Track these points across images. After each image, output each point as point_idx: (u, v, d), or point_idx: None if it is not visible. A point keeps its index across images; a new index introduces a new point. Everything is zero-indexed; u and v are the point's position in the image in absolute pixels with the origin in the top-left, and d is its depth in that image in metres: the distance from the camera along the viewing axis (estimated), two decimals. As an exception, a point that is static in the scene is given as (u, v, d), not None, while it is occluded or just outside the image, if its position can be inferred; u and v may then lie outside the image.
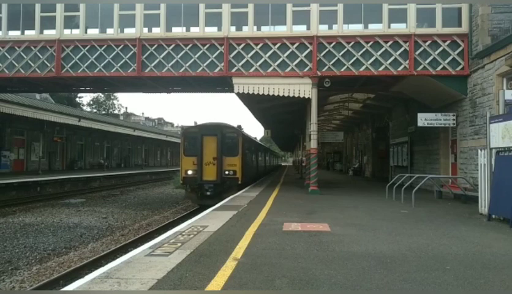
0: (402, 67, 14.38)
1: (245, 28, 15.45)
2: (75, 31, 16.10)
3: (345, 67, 14.62)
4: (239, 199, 13.14)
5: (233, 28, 15.37)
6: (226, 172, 16.04)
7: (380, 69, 14.50)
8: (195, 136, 16.29)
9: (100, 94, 66.44)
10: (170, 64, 15.19)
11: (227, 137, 16.40)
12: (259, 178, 25.90)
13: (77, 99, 60.92)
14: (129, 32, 15.84)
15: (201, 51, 15.08)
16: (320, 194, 14.66)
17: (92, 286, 4.24)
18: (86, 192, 23.61)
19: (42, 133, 29.94)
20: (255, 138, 40.26)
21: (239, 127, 17.25)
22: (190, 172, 16.12)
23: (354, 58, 14.58)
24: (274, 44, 14.88)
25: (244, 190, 17.17)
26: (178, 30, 15.88)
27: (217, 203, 11.65)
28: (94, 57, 15.45)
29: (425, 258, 5.46)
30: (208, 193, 15.74)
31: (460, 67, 14.03)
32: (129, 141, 48.53)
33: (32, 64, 15.73)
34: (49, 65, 15.67)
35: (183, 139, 16.73)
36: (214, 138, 16.02)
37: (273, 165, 55.46)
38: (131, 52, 15.33)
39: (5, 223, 13.09)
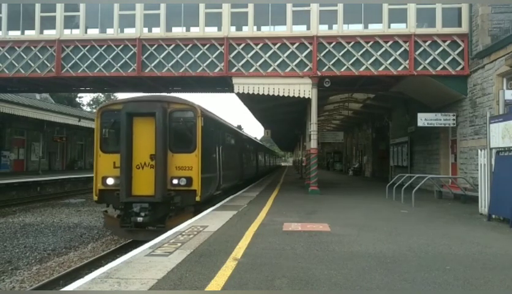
0: (402, 67, 14.37)
1: (245, 28, 15.44)
2: (75, 31, 16.10)
3: (345, 67, 14.62)
4: (239, 199, 13.15)
5: (233, 28, 15.36)
6: (174, 181, 9.85)
7: (380, 69, 14.50)
8: (118, 117, 9.92)
9: (100, 94, 66.41)
10: (170, 64, 15.18)
11: (175, 118, 10.15)
12: (243, 187, 18.59)
13: (77, 99, 60.95)
14: (129, 32, 15.83)
15: (201, 51, 15.07)
16: (320, 194, 14.66)
17: (92, 286, 4.24)
18: (86, 192, 23.60)
19: (42, 133, 29.97)
20: (255, 137, 39.63)
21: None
22: (110, 181, 9.89)
23: (354, 58, 14.57)
24: (274, 44, 14.88)
25: (243, 190, 17.05)
26: (178, 30, 15.88)
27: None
28: (94, 57, 15.44)
29: (425, 258, 5.46)
30: (139, 218, 9.38)
31: (460, 67, 14.03)
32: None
33: (32, 64, 15.73)
34: (49, 65, 15.66)
35: (99, 124, 10.35)
36: (150, 120, 9.76)
37: (270, 167, 45.65)
38: (131, 52, 15.33)
39: (5, 223, 13.08)
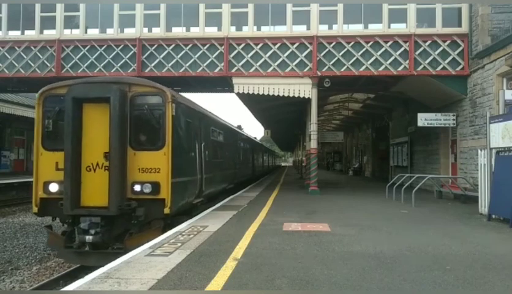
0: (402, 67, 14.38)
1: (245, 28, 15.44)
2: (75, 31, 16.10)
3: (345, 67, 14.62)
4: (239, 199, 13.15)
5: (233, 28, 15.36)
6: (137, 187, 7.79)
7: (380, 69, 14.50)
8: (63, 105, 7.82)
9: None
10: (170, 64, 15.18)
11: (138, 105, 8.07)
12: (236, 190, 16.43)
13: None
14: (129, 32, 15.82)
15: (201, 51, 15.07)
16: (319, 194, 14.66)
17: (92, 286, 4.24)
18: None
19: (42, 133, 29.89)
20: (255, 137, 39.32)
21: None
22: (54, 187, 7.87)
23: (354, 58, 14.57)
24: (274, 44, 14.88)
25: (243, 190, 17.03)
26: (178, 30, 15.88)
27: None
28: (94, 57, 15.44)
29: (425, 258, 5.46)
30: (88, 237, 7.41)
31: (460, 67, 14.03)
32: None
33: (32, 64, 15.72)
34: (49, 65, 15.66)
35: (40, 113, 8.24)
36: (104, 107, 7.73)
37: (268, 167, 43.34)
38: (131, 52, 15.33)
39: (5, 223, 13.09)
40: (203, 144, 10.74)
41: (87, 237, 7.39)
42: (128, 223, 7.77)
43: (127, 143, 7.79)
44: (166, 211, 7.74)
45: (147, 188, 7.75)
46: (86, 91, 7.85)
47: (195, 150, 10.08)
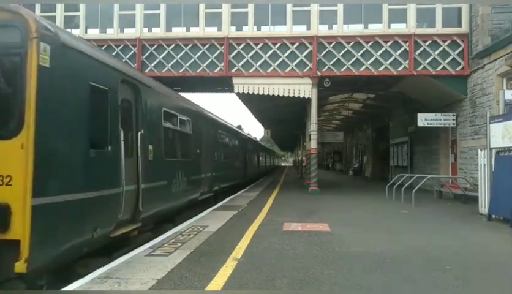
0: (402, 67, 14.38)
1: (245, 28, 15.45)
2: (75, 31, 16.05)
3: (345, 67, 14.63)
4: (239, 199, 13.15)
5: (233, 28, 15.37)
6: None
7: (380, 69, 14.50)
8: None
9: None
10: (170, 64, 15.19)
11: None
12: (218, 199, 13.38)
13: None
14: (129, 32, 15.83)
15: (201, 51, 15.08)
16: (319, 194, 14.67)
17: (92, 286, 4.24)
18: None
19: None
20: (252, 135, 39.19)
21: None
22: None
23: (354, 58, 14.58)
24: (274, 44, 14.89)
25: (243, 190, 17.03)
26: (178, 30, 15.89)
27: None
28: (94, 57, 15.43)
29: (425, 258, 5.46)
30: None
31: (460, 67, 14.04)
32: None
33: (32, 64, 15.71)
34: (49, 65, 15.65)
35: None
36: None
37: (266, 167, 40.03)
38: (131, 52, 15.33)
39: None
40: (141, 134, 6.68)
41: None
42: None
43: None
44: (19, 266, 3.90)
45: None
46: None
47: (119, 143, 5.90)
